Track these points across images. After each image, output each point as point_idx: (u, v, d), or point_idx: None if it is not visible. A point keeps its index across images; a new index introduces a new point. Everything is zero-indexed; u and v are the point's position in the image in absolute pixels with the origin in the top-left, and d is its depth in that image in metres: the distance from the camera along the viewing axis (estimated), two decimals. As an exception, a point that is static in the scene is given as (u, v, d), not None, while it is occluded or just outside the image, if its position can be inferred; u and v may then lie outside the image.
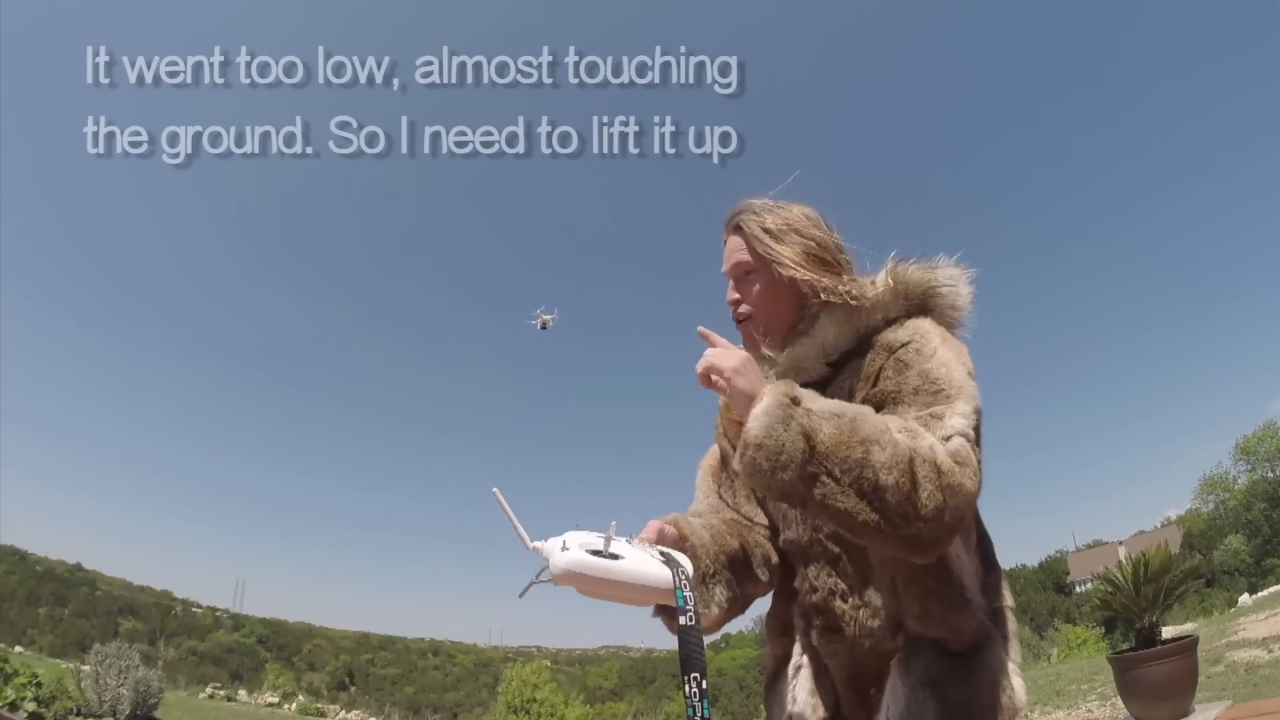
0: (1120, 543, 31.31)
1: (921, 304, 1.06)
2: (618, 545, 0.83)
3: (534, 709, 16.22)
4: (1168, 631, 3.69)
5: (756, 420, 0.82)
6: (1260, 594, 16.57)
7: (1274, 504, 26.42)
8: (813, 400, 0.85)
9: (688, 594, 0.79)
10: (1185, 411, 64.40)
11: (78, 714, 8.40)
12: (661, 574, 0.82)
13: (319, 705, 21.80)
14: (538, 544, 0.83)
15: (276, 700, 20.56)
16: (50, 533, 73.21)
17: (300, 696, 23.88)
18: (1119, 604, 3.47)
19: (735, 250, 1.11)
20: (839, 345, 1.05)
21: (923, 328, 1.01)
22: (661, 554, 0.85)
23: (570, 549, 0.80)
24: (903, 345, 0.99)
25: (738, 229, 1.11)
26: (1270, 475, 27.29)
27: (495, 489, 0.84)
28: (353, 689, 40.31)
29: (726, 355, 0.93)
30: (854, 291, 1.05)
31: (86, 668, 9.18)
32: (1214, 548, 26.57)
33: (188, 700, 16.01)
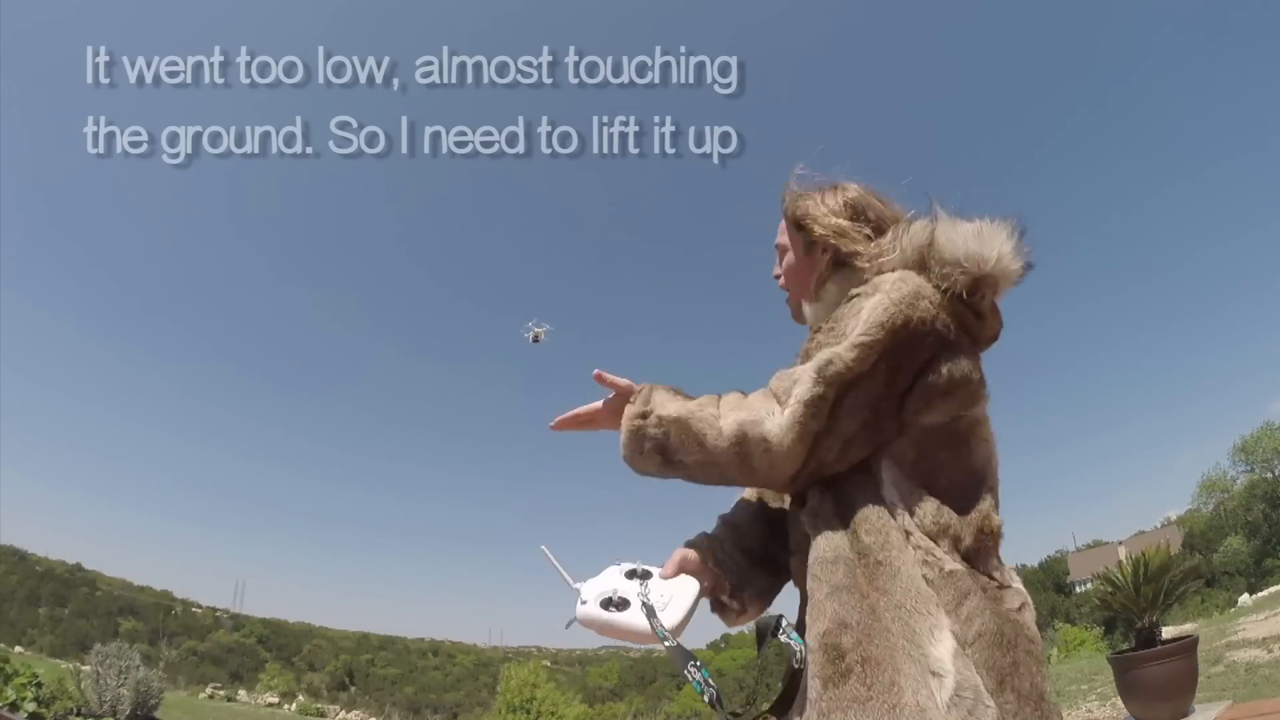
0: (1120, 543, 31.32)
1: (919, 261, 1.03)
2: (626, 589, 1.01)
3: (533, 708, 16.24)
4: (1168, 631, 3.69)
5: (623, 449, 1.03)
6: (1260, 594, 16.58)
7: (1273, 504, 26.41)
8: (663, 405, 1.01)
9: (664, 632, 0.96)
10: (1185, 411, 64.54)
11: (78, 714, 8.41)
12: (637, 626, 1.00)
13: (319, 705, 21.82)
14: (578, 585, 1.03)
15: (276, 700, 20.58)
16: (50, 533, 73.32)
17: (300, 696, 23.89)
18: (1119, 604, 3.47)
19: (779, 233, 1.24)
20: (835, 307, 1.09)
21: (884, 278, 1.02)
22: (645, 605, 0.99)
23: (588, 602, 1.01)
24: (853, 296, 1.03)
25: (783, 212, 1.23)
26: (1270, 475, 27.28)
27: (543, 546, 1.06)
28: (353, 689, 40.33)
29: (581, 411, 1.11)
30: (862, 252, 1.10)
31: (86, 668, 9.19)
32: (1214, 548, 26.57)
33: (188, 700, 16.02)
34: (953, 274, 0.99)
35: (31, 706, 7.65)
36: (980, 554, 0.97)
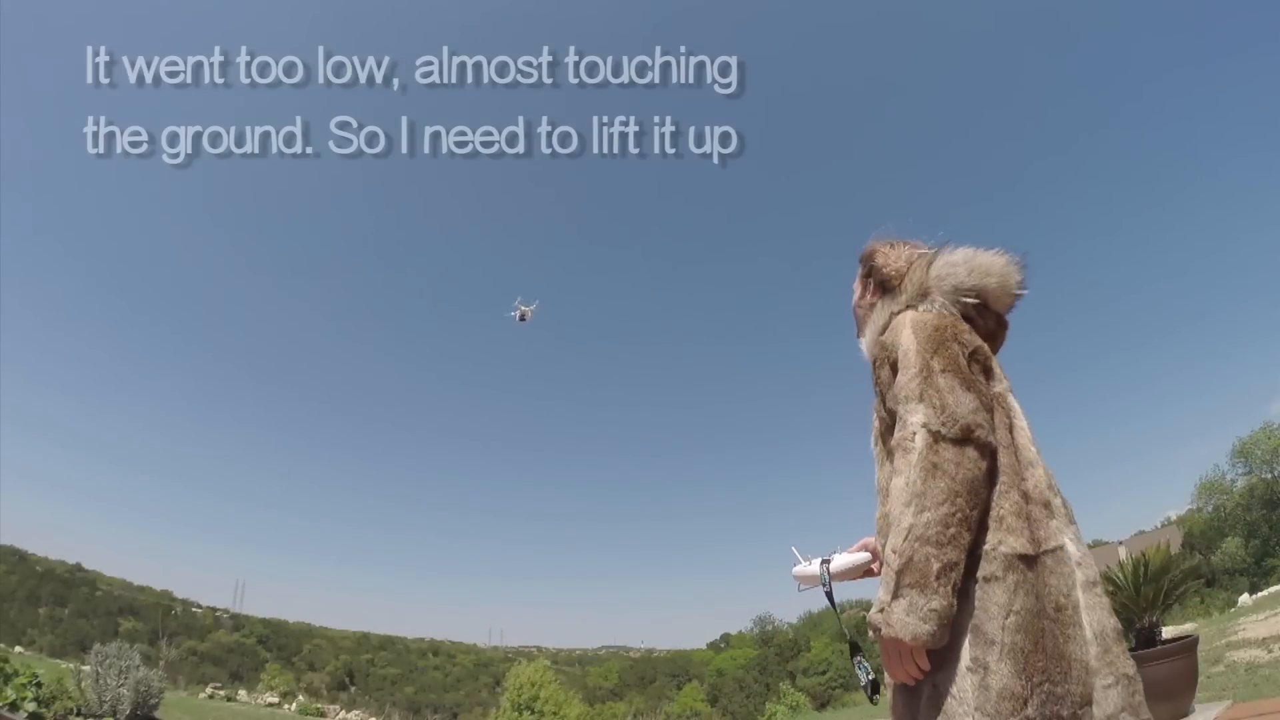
0: (1120, 543, 31.26)
1: (920, 297, 1.35)
2: (815, 562, 1.51)
3: (537, 707, 16.25)
4: (1168, 631, 3.69)
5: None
6: (1260, 594, 16.57)
7: (1273, 505, 26.38)
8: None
9: (827, 578, 1.49)
10: (1185, 412, 64.24)
11: (78, 714, 8.40)
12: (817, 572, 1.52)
13: (319, 705, 21.79)
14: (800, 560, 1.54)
15: (276, 700, 20.56)
16: (50, 533, 72.98)
17: (300, 696, 23.87)
18: (1119, 604, 3.47)
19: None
20: (873, 341, 1.41)
21: (895, 329, 1.31)
22: (824, 560, 1.51)
23: (796, 567, 1.53)
24: (885, 356, 1.32)
25: None
26: (1269, 476, 27.23)
27: (793, 546, 1.55)
28: (353, 689, 40.32)
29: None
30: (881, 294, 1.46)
31: (86, 668, 9.17)
32: (1214, 548, 26.54)
33: (188, 700, 16.01)
34: (943, 304, 1.37)
35: (31, 706, 7.65)
36: None
